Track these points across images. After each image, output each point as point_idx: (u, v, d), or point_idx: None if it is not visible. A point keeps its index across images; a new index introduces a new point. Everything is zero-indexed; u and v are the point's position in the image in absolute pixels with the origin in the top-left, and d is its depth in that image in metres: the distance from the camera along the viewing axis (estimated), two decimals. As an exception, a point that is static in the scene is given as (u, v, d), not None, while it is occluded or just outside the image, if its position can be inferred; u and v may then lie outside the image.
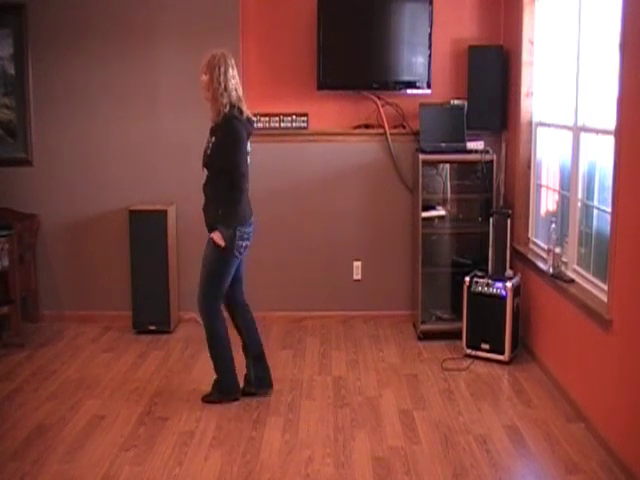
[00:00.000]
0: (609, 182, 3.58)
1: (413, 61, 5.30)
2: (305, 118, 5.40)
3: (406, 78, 5.32)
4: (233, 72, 3.90)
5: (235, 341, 4.17)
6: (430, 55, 5.28)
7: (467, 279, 4.82)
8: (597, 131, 3.94)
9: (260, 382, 4.20)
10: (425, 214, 5.14)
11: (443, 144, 5.17)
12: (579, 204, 4.17)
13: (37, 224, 5.45)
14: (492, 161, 5.06)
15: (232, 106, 3.87)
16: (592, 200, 4.09)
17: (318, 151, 5.46)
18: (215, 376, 4.14)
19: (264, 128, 5.34)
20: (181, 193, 5.36)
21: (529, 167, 5.03)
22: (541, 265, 4.55)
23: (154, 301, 5.25)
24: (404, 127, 5.41)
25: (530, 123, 4.99)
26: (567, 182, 4.39)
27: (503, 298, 4.66)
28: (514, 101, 5.10)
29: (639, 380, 3.20)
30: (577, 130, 4.16)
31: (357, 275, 5.59)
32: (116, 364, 4.74)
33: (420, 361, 4.79)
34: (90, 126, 5.38)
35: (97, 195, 5.45)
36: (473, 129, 5.24)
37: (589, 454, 3.53)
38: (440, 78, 5.38)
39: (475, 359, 4.74)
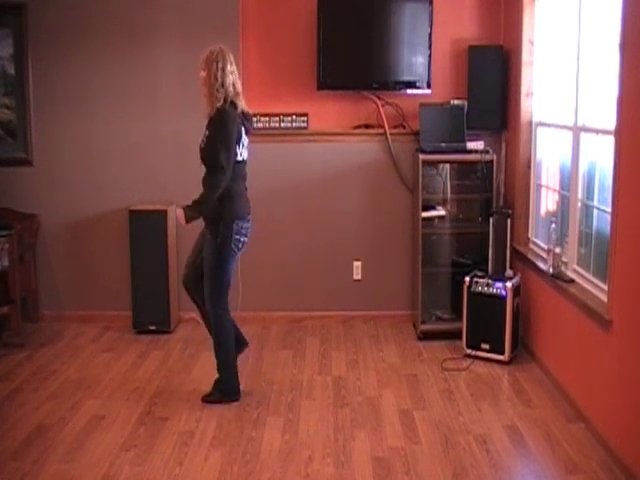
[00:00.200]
0: (609, 182, 3.58)
1: (413, 61, 5.30)
2: (305, 118, 5.39)
3: (406, 78, 5.32)
4: (232, 67, 3.91)
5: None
6: (430, 55, 5.28)
7: (467, 279, 4.82)
8: (597, 131, 3.94)
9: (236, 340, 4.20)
10: (425, 214, 5.14)
11: (443, 144, 5.17)
12: (579, 204, 4.17)
13: (37, 224, 5.45)
14: (492, 161, 5.06)
15: (226, 101, 3.87)
16: (592, 200, 4.08)
17: (318, 151, 5.46)
18: (216, 376, 4.14)
19: (264, 128, 5.34)
20: (181, 193, 5.28)
21: (529, 167, 5.03)
22: (541, 265, 4.55)
23: (154, 301, 5.25)
24: (404, 127, 5.41)
25: (530, 123, 4.99)
26: (567, 182, 4.39)
27: (503, 298, 4.66)
28: (514, 101, 5.10)
29: (639, 380, 3.20)
30: (577, 130, 4.15)
31: (357, 275, 5.59)
32: (116, 364, 4.74)
33: (420, 361, 4.79)
34: (90, 126, 5.38)
35: (97, 195, 5.45)
36: (473, 129, 5.23)
37: (589, 454, 3.53)
38: (440, 78, 5.38)
39: (475, 359, 4.74)
